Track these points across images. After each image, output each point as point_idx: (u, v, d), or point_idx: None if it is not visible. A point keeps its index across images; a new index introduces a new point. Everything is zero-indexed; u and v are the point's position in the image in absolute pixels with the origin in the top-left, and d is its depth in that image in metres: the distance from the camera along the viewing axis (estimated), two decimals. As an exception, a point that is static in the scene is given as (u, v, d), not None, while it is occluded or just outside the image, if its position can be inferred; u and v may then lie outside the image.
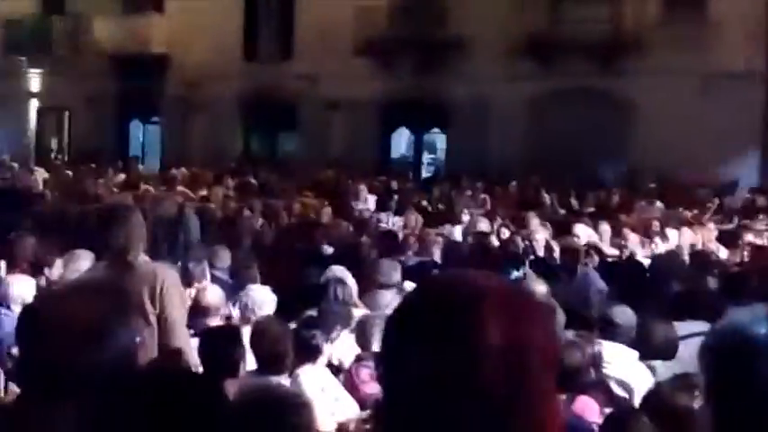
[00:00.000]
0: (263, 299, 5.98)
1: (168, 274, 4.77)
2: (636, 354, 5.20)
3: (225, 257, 7.61)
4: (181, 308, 4.72)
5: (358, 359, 5.56)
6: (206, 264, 7.09)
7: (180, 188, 15.43)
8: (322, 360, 5.15)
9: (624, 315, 5.41)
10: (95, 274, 5.02)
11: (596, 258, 9.46)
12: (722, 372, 1.31)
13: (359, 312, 6.58)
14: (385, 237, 10.92)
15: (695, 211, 14.01)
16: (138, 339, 1.98)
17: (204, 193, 15.69)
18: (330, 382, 5.09)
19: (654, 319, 5.46)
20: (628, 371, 4.95)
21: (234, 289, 6.73)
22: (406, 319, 1.07)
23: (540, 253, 10.18)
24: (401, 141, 24.88)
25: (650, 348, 5.22)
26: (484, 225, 12.02)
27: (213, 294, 5.91)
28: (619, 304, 5.80)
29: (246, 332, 5.48)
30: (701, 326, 5.76)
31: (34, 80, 27.47)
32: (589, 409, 4.61)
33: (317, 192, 16.11)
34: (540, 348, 1.04)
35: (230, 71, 22.75)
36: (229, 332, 4.95)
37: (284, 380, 4.68)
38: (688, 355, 5.14)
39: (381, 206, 14.63)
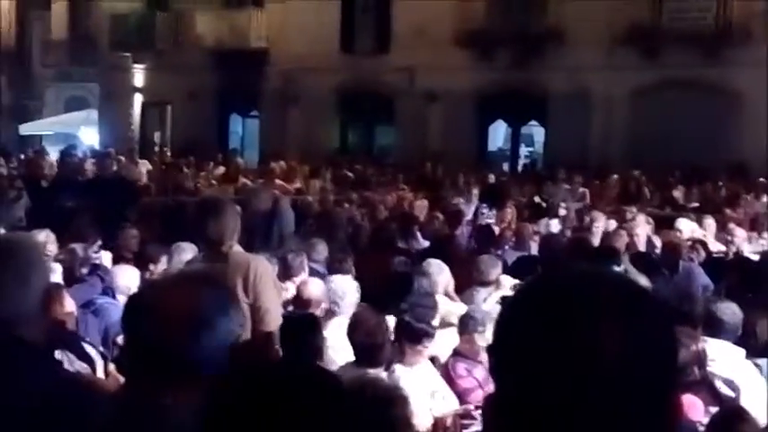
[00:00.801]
0: (344, 288, 5.99)
1: (261, 265, 4.84)
2: (743, 351, 5.04)
3: (322, 250, 7.67)
4: (274, 298, 4.78)
5: (455, 353, 5.54)
6: (304, 256, 7.15)
7: (277, 181, 15.64)
8: (426, 351, 5.14)
9: (730, 311, 5.24)
10: (193, 266, 5.13)
11: (701, 253, 9.21)
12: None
13: (453, 306, 6.54)
14: (482, 231, 10.85)
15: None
16: (239, 328, 2.01)
17: (301, 185, 15.89)
18: (428, 375, 5.08)
19: (760, 316, 5.28)
20: (734, 369, 4.80)
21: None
22: (528, 311, 1.06)
23: (641, 248, 9.95)
24: (498, 134, 24.70)
25: (756, 345, 5.06)
26: (582, 219, 11.82)
27: (315, 287, 5.96)
28: (724, 300, 5.62)
29: (334, 323, 5.53)
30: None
31: (138, 75, 28.25)
32: (693, 407, 4.49)
33: (413, 185, 16.12)
34: (659, 345, 1.02)
35: (327, 64, 22.92)
36: (308, 319, 4.99)
37: (380, 372, 4.69)
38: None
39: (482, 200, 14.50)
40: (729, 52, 18.46)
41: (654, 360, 1.01)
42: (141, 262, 7.57)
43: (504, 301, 1.10)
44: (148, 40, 26.31)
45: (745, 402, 4.48)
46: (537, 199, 15.28)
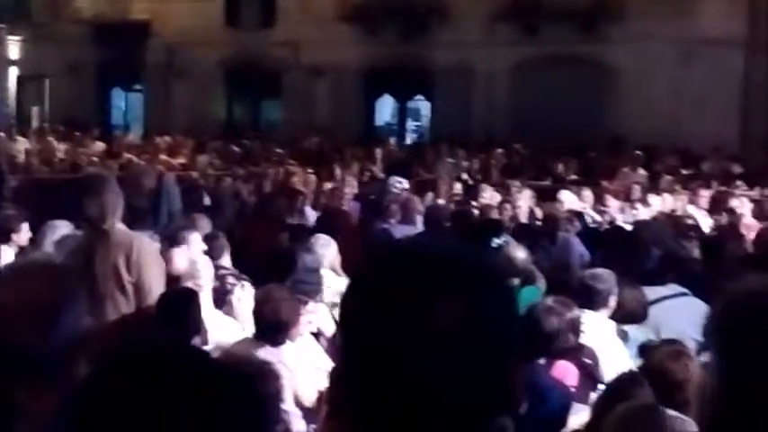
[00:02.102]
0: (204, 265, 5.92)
1: (144, 242, 4.77)
2: (613, 325, 5.24)
3: (204, 225, 7.57)
4: (157, 276, 4.72)
5: (340, 326, 5.56)
6: (187, 232, 7.05)
7: (162, 156, 15.36)
8: (303, 329, 5.15)
9: (602, 279, 5.44)
10: (71, 243, 5.02)
11: (578, 224, 9.49)
12: (734, 338, 1.33)
13: (339, 282, 6.57)
14: (369, 204, 10.92)
15: (676, 177, 14.07)
16: (85, 321, 1.97)
17: (186, 160, 15.65)
18: (312, 350, 5.10)
19: (623, 284, 5.50)
20: (599, 339, 4.98)
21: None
22: (363, 287, 1.08)
23: (523, 220, 10.20)
24: (385, 108, 24.83)
25: (621, 313, 5.28)
26: (469, 192, 12.04)
27: (181, 259, 5.87)
28: (597, 269, 5.83)
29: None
30: (674, 288, 5.85)
31: (13, 47, 27.16)
32: (568, 373, 4.66)
33: (300, 159, 16.08)
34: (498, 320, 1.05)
35: (212, 38, 22.56)
36: (185, 294, 4.94)
37: (278, 350, 4.66)
38: (660, 318, 5.21)
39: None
40: (605, 28, 19.01)
41: (491, 333, 1.03)
42: (2, 234, 7.25)
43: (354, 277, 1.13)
44: (24, 11, 25.32)
45: (606, 371, 4.66)
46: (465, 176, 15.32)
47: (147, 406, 1.18)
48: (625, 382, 3.76)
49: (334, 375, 1.08)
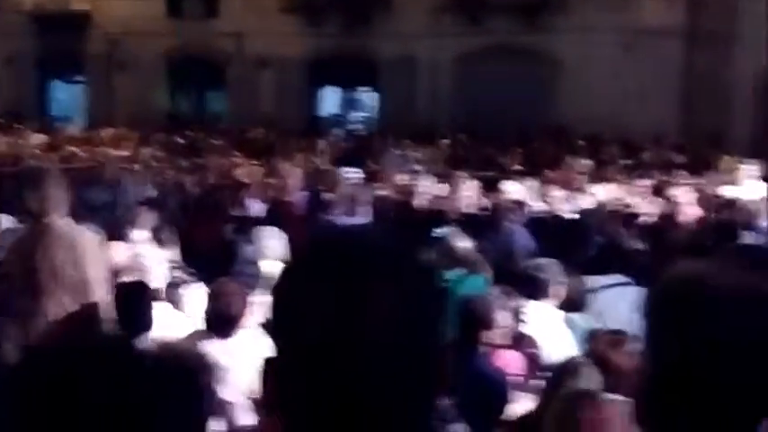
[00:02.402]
0: (153, 258, 5.88)
1: (86, 237, 4.71)
2: (560, 313, 5.31)
3: (148, 218, 7.50)
4: (99, 270, 4.67)
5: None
6: (131, 225, 6.98)
7: (104, 149, 15.13)
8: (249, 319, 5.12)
9: (545, 269, 5.51)
10: (11, 237, 4.94)
11: (522, 214, 9.58)
12: (666, 322, 1.35)
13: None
14: (315, 196, 10.89)
15: (619, 167, 14.26)
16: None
17: (130, 153, 15.43)
18: (255, 342, 5.07)
19: (566, 273, 5.58)
20: (544, 328, 5.05)
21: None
22: (293, 275, 1.08)
23: (468, 210, 10.26)
24: (330, 99, 24.77)
25: (565, 301, 5.36)
26: (414, 183, 12.05)
27: (121, 253, 5.81)
28: (541, 259, 5.91)
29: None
30: (617, 278, 5.95)
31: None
32: (511, 361, 4.71)
33: (245, 151, 15.97)
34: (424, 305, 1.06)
35: (154, 28, 22.29)
36: (136, 288, 4.91)
37: (227, 342, 4.65)
38: (602, 307, 5.30)
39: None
40: (549, 19, 19.19)
41: (422, 320, 1.04)
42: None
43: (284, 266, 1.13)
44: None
45: (551, 359, 4.72)
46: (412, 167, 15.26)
47: (73, 397, 1.17)
48: (567, 369, 3.82)
49: (264, 367, 1.08)
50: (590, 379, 3.70)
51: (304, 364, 1.03)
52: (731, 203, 10.30)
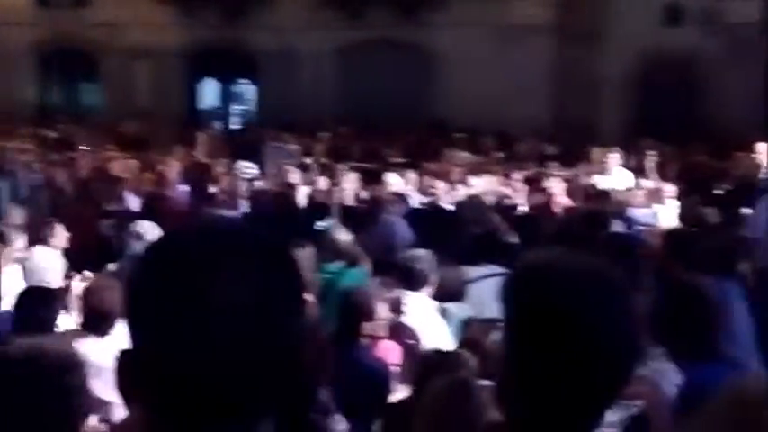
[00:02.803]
0: (43, 259, 5.73)
1: None
2: (435, 303, 5.40)
3: (17, 215, 7.26)
4: None
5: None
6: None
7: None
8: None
9: (421, 260, 5.60)
10: None
11: (402, 206, 9.69)
12: (519, 304, 1.41)
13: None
14: (196, 190, 10.77)
15: (495, 159, 14.57)
16: None
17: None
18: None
19: (443, 264, 5.69)
20: (421, 319, 5.13)
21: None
22: (147, 264, 1.08)
23: (349, 203, 10.32)
24: (209, 92, 24.41)
25: (441, 291, 5.45)
26: (295, 176, 12.02)
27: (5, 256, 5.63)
28: (417, 250, 6.00)
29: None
30: (493, 269, 6.09)
31: None
32: (391, 352, 4.77)
33: (120, 145, 15.60)
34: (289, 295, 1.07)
35: (22, 18, 21.47)
36: (42, 292, 4.78)
37: (104, 339, 4.55)
38: (479, 297, 5.42)
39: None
40: (427, 14, 19.43)
41: (276, 308, 1.05)
42: None
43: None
44: None
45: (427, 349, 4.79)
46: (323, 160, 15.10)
47: None
48: (439, 358, 3.90)
49: (120, 359, 1.08)
50: (462, 366, 3.79)
51: (155, 355, 1.02)
52: (601, 194, 10.67)
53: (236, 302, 1.02)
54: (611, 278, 1.41)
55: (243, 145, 16.11)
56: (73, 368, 2.41)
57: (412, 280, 5.30)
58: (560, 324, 1.35)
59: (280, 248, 1.11)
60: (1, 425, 2.27)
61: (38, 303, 4.53)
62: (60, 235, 6.74)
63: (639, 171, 11.92)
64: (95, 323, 4.62)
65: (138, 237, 6.81)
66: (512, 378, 1.42)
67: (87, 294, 4.80)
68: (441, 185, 11.68)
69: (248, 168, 12.46)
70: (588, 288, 1.38)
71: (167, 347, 1.01)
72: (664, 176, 12.12)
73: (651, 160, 11.94)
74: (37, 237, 6.62)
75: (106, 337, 4.57)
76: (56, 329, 4.57)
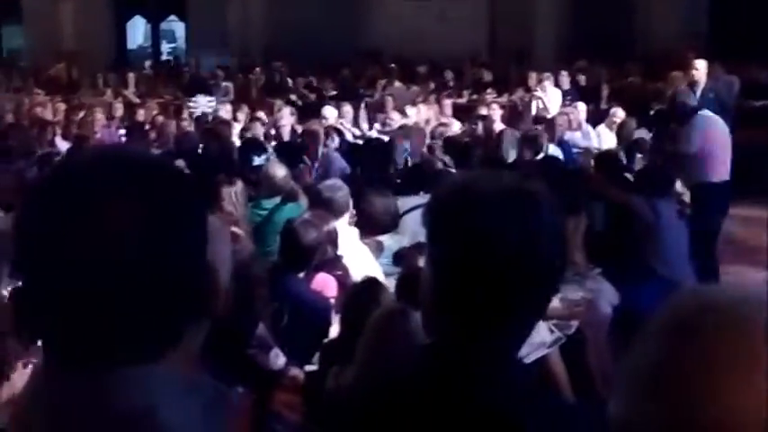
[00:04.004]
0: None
1: None
2: (356, 231, 5.38)
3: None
4: None
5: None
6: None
7: None
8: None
9: (337, 188, 5.57)
10: None
11: (337, 139, 9.61)
12: (440, 225, 1.41)
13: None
14: (130, 129, 10.57)
15: (430, 88, 14.50)
16: None
17: None
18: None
19: (375, 194, 5.66)
20: (348, 248, 5.10)
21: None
22: (37, 193, 1.02)
23: (286, 138, 10.21)
24: (138, 31, 23.83)
25: (373, 222, 5.42)
26: (225, 113, 11.85)
27: None
28: (329, 180, 6.01)
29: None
30: (426, 198, 6.07)
31: None
32: (327, 285, 4.75)
33: (47, 88, 15.21)
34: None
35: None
36: None
37: None
38: (412, 227, 5.40)
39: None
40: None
41: (171, 234, 1.00)
42: None
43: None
44: None
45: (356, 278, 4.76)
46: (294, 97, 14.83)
47: None
48: (366, 287, 3.89)
49: (13, 297, 1.02)
50: (389, 295, 3.80)
51: (40, 289, 0.97)
52: (536, 118, 10.71)
53: (117, 232, 0.96)
54: (531, 196, 1.40)
55: (193, 80, 15.88)
56: None
57: (332, 209, 5.25)
58: (476, 242, 1.34)
59: (171, 176, 1.04)
60: None
61: None
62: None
63: (575, 94, 11.97)
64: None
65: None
66: (434, 300, 1.41)
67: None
68: (376, 117, 11.64)
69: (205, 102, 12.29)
70: (506, 205, 1.36)
71: (49, 280, 0.95)
72: (598, 98, 12.21)
73: (605, 89, 11.98)
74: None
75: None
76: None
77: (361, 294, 3.77)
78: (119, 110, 12.61)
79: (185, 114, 12.01)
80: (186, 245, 1.00)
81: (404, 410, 1.35)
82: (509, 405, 1.34)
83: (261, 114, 11.67)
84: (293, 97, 14.57)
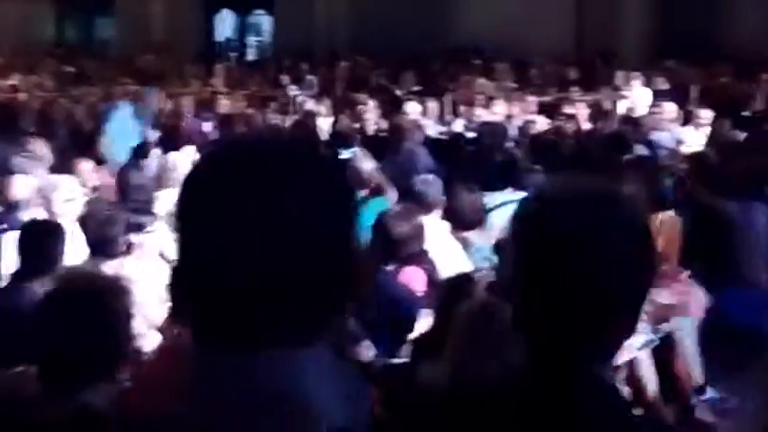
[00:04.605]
0: (56, 183, 5.72)
1: None
2: (447, 225, 5.38)
3: (34, 148, 7.22)
4: None
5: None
6: (27, 158, 6.72)
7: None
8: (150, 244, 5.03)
9: (430, 183, 5.57)
10: None
11: (422, 135, 9.60)
12: (530, 231, 1.40)
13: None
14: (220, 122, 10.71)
15: (515, 84, 14.39)
16: None
17: (16, 82, 14.86)
18: (159, 268, 4.99)
19: (462, 190, 5.65)
20: (438, 244, 5.10)
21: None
22: (200, 181, 1.03)
23: (370, 132, 10.25)
24: (225, 24, 24.19)
25: (460, 218, 5.42)
26: (311, 105, 11.95)
27: (20, 185, 5.59)
28: (424, 175, 6.00)
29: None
30: (513, 195, 6.04)
31: None
32: (416, 279, 4.76)
33: (136, 78, 15.53)
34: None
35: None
36: (47, 226, 4.76)
37: (114, 264, 4.56)
38: (499, 224, 5.38)
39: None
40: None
41: (330, 226, 1.01)
42: None
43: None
44: None
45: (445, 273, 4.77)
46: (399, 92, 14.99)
47: None
48: (459, 282, 3.89)
49: (171, 277, 1.05)
50: (480, 289, 3.78)
51: (200, 269, 0.99)
52: (624, 118, 10.54)
53: (283, 217, 0.97)
54: (620, 199, 1.40)
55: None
56: (121, 293, 2.46)
57: (423, 204, 5.26)
58: (561, 248, 1.34)
59: (331, 163, 1.07)
60: (60, 347, 2.32)
61: (44, 237, 4.49)
62: (86, 169, 6.73)
63: (663, 94, 11.74)
64: (99, 247, 4.65)
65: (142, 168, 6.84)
66: (524, 303, 1.42)
67: (85, 219, 4.87)
68: (460, 113, 11.59)
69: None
70: (592, 212, 1.36)
71: (211, 260, 0.98)
72: (687, 99, 11.96)
73: (694, 90, 11.74)
74: (61, 171, 6.59)
75: (117, 260, 4.59)
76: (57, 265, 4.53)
77: (453, 288, 3.77)
78: (206, 101, 12.83)
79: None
80: (345, 231, 1.02)
81: (498, 412, 1.34)
82: (606, 413, 1.34)
83: (345, 108, 11.75)
84: (377, 92, 14.60)
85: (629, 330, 1.41)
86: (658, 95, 11.62)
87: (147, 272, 4.70)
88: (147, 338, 4.23)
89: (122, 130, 9.26)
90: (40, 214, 5.43)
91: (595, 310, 1.34)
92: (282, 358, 0.97)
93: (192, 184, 1.03)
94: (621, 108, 11.42)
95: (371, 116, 10.77)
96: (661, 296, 4.83)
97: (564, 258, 1.33)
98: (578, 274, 1.33)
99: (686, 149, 9.22)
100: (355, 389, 1.01)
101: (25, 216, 5.33)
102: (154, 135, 10.11)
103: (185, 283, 1.00)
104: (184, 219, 1.02)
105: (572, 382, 1.35)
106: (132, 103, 10.06)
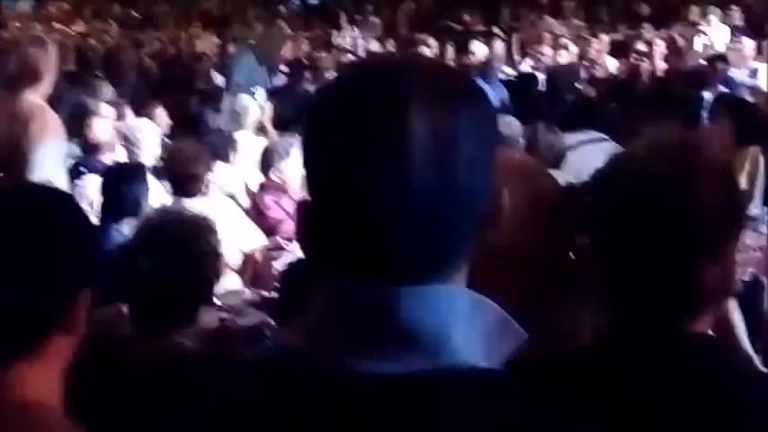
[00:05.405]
0: (139, 126, 5.76)
1: (37, 114, 4.49)
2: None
3: (107, 92, 7.26)
4: (48, 148, 4.48)
5: (261, 187, 5.50)
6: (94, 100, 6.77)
7: (56, 25, 14.65)
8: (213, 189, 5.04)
9: (510, 125, 5.49)
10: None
11: (492, 75, 9.46)
12: (608, 209, 1.38)
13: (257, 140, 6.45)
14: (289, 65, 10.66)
15: (585, 22, 14.08)
16: None
17: (83, 29, 15.00)
18: (229, 208, 5.00)
19: (540, 129, 5.57)
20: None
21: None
22: (324, 107, 0.98)
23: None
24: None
25: (539, 158, 5.34)
26: (375, 46, 11.86)
27: (100, 128, 5.63)
28: (505, 116, 5.92)
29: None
30: (591, 134, 5.92)
31: None
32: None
33: (202, 22, 15.56)
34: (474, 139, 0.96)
35: None
36: (128, 169, 4.81)
37: (195, 203, 4.58)
38: (577, 164, 5.28)
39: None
40: None
41: (468, 147, 0.93)
42: None
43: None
44: None
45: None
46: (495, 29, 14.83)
47: None
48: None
49: (300, 210, 1.00)
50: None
51: (332, 203, 0.94)
52: (699, 54, 10.25)
53: (422, 145, 0.91)
54: (693, 156, 1.34)
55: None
56: (209, 232, 2.48)
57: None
58: (649, 198, 1.31)
59: (470, 89, 0.99)
60: (151, 288, 2.33)
61: (128, 180, 4.52)
62: (160, 113, 6.77)
63: (742, 29, 11.36)
64: (180, 185, 4.66)
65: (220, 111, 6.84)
66: (607, 280, 1.37)
67: (170, 158, 4.88)
68: (530, 52, 11.38)
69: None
70: (677, 161, 1.32)
71: (345, 193, 0.92)
72: (762, 34, 11.56)
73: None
74: (138, 114, 6.63)
75: (195, 199, 4.60)
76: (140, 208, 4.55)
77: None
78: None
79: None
80: (487, 162, 0.96)
81: (582, 382, 1.28)
82: (704, 373, 1.29)
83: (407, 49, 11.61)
84: (442, 32, 14.40)
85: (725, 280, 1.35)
86: (737, 31, 11.25)
87: (222, 210, 4.71)
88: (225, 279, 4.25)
89: (249, 77, 9.10)
90: (121, 157, 5.49)
91: (688, 258, 1.30)
92: (423, 293, 0.92)
93: (321, 117, 0.97)
94: (698, 45, 11.08)
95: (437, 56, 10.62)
96: (746, 237, 4.69)
97: (653, 209, 1.30)
98: (669, 221, 1.29)
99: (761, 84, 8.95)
100: (494, 328, 0.95)
101: (106, 159, 5.38)
102: (220, 79, 10.12)
103: (322, 216, 0.95)
104: (317, 151, 0.96)
105: (675, 341, 1.31)
106: (254, 49, 9.96)
